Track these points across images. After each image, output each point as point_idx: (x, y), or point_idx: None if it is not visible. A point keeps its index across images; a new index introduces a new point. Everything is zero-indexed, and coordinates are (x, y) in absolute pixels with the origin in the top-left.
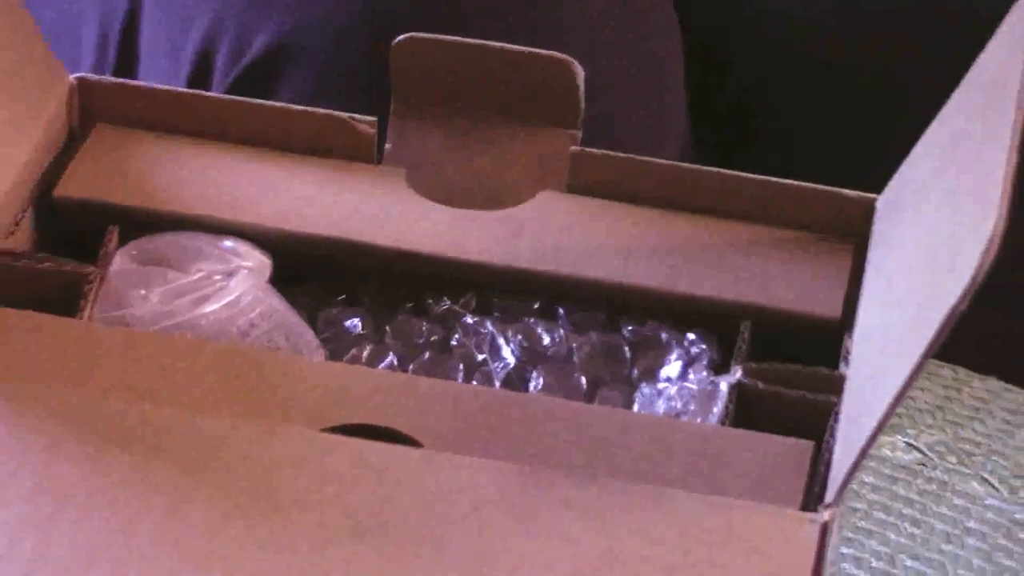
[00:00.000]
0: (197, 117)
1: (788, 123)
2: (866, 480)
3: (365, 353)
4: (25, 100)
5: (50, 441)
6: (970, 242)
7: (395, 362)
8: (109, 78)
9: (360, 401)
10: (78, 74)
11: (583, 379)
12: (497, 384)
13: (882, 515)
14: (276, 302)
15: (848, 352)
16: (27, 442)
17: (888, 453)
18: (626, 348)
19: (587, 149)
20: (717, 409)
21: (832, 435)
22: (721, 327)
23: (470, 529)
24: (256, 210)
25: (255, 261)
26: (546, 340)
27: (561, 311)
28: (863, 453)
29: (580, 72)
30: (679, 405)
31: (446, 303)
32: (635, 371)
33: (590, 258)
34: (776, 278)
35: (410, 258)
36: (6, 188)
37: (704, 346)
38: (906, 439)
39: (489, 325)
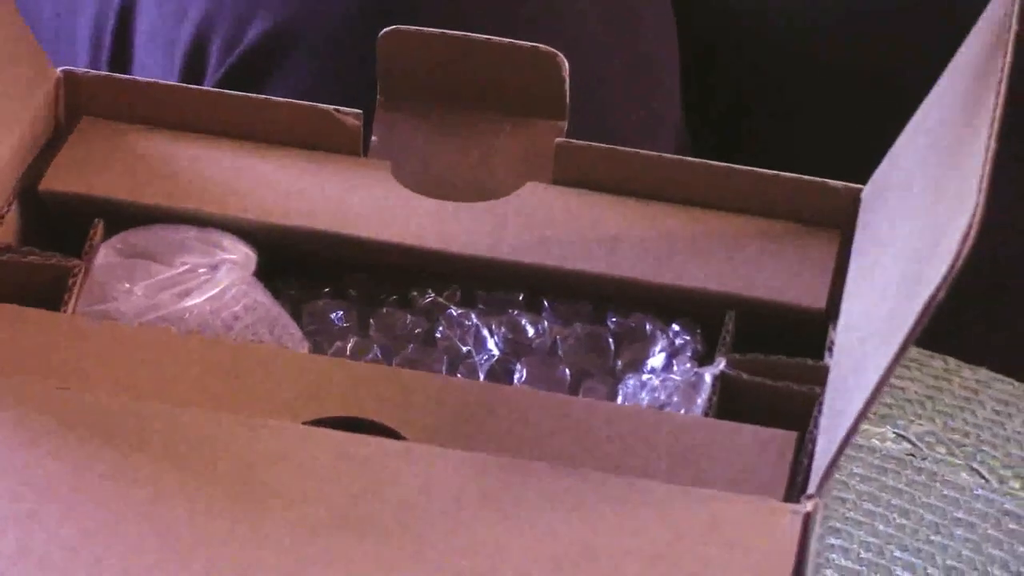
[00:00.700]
0: (182, 110)
1: (786, 123)
2: (855, 471)
3: (349, 346)
4: (11, 93)
5: (33, 434)
6: (949, 231)
7: (379, 355)
8: (95, 71)
9: (344, 394)
10: (64, 67)
11: (567, 371)
12: (481, 376)
13: (871, 505)
14: (260, 295)
15: (832, 343)
16: (9, 435)
17: (877, 443)
18: (610, 339)
19: (572, 140)
20: (701, 400)
21: (816, 426)
22: (706, 318)
23: (452, 521)
24: (241, 203)
25: (240, 254)
26: (530, 332)
27: (546, 303)
28: (845, 443)
29: (565, 64)
30: (663, 396)
31: (430, 295)
32: (619, 363)
33: (575, 249)
34: (761, 269)
35: (395, 250)
36: None
37: (688, 337)
38: (896, 429)
39: (473, 317)
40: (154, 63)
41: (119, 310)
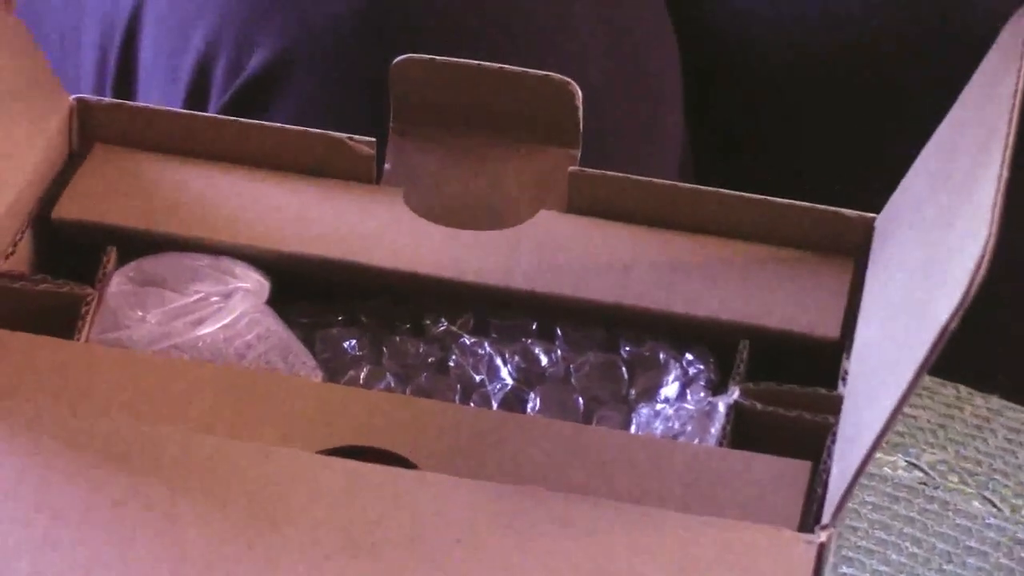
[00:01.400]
0: (196, 138)
1: (788, 128)
2: (867, 499)
3: (362, 374)
4: (25, 121)
5: (47, 461)
6: (961, 261)
7: (392, 383)
8: (108, 99)
9: (357, 422)
10: (77, 95)
11: (580, 400)
12: (495, 405)
13: (883, 534)
14: (273, 323)
15: (846, 372)
16: (24, 461)
17: (889, 472)
18: (624, 368)
19: (586, 169)
20: (715, 430)
21: (830, 455)
22: (719, 346)
23: (465, 549)
24: (254, 231)
25: (253, 282)
26: (544, 361)
27: (559, 331)
28: (859, 473)
29: (578, 92)
30: (677, 426)
31: (443, 324)
32: (633, 391)
33: (589, 277)
34: (775, 298)
35: (408, 278)
36: (4, 209)
37: (702, 366)
38: (907, 458)
39: (487, 346)
40: (158, 91)
41: (132, 338)
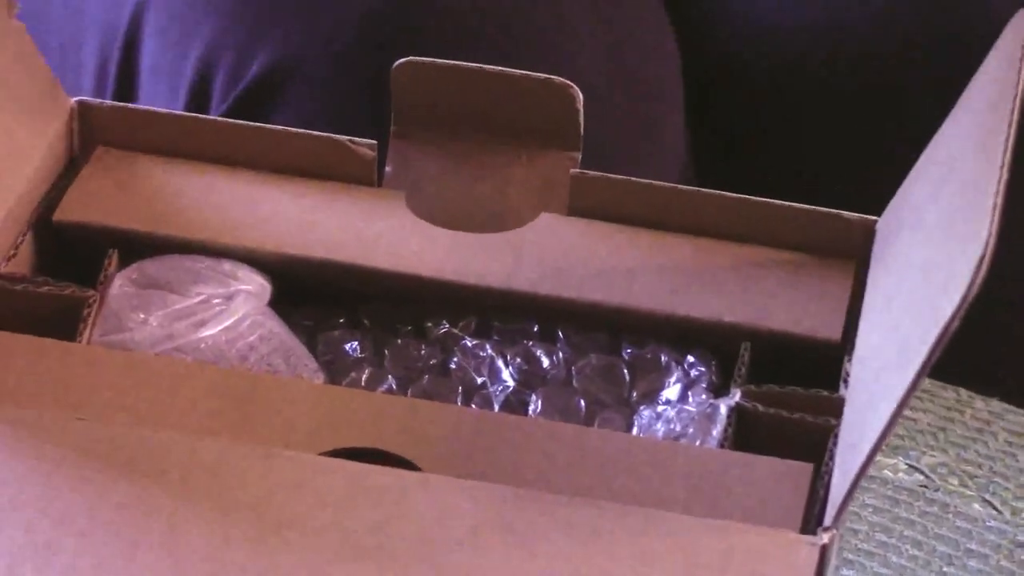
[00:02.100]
0: (197, 140)
1: (789, 130)
2: (868, 502)
3: (364, 376)
4: (26, 124)
5: (49, 465)
6: (962, 263)
7: (394, 385)
8: (109, 102)
9: (359, 425)
10: (78, 98)
11: (582, 402)
12: (496, 407)
13: (883, 537)
14: (275, 326)
15: (848, 374)
16: (26, 466)
17: (890, 475)
18: (625, 370)
19: (587, 172)
20: (716, 432)
21: (831, 458)
22: (721, 349)
23: (468, 552)
24: (256, 233)
25: (255, 285)
26: (545, 363)
27: (560, 334)
28: (860, 475)
29: (579, 96)
30: (679, 428)
31: (445, 326)
32: (634, 394)
33: (590, 280)
34: (776, 300)
35: (410, 281)
36: (6, 211)
37: (703, 369)
38: (908, 461)
39: (488, 348)
40: (158, 96)
41: (134, 340)
